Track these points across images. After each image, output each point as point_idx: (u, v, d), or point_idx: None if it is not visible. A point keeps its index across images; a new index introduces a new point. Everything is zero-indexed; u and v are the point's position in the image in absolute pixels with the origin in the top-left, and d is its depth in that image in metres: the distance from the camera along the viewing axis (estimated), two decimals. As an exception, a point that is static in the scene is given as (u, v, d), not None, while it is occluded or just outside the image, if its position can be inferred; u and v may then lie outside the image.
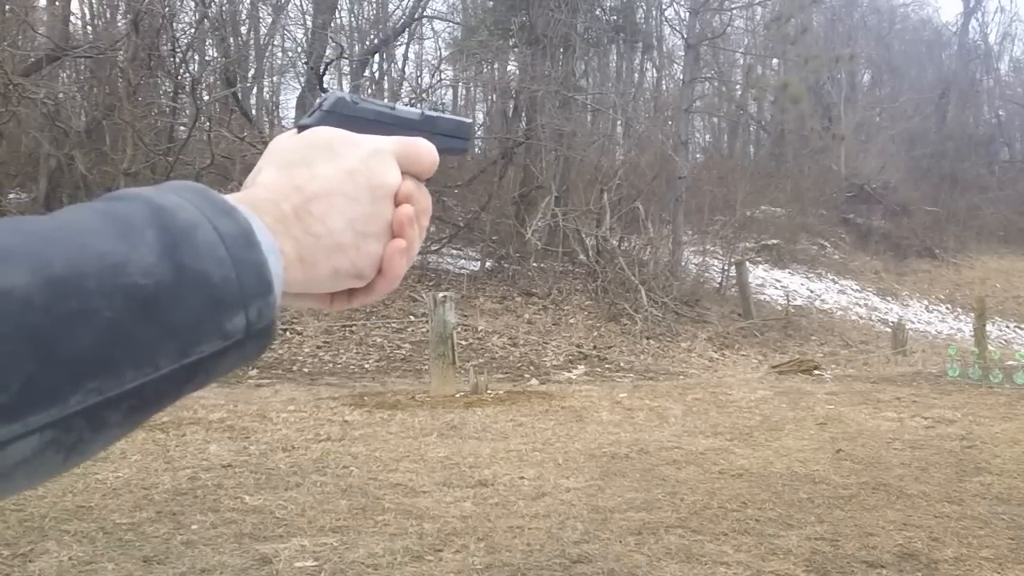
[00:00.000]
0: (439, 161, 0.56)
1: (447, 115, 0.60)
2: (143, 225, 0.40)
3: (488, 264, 15.05)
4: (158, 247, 0.39)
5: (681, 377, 9.98)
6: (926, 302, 21.10)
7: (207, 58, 15.56)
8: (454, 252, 15.14)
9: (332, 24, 16.68)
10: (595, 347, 11.96)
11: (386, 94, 17.86)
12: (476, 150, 17.33)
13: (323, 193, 0.50)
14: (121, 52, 12.47)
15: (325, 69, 15.64)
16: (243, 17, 16.76)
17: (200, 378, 0.41)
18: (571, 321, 13.12)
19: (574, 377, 9.92)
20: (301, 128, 0.54)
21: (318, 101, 0.56)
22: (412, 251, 0.54)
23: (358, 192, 0.51)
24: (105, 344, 0.37)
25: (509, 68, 18.94)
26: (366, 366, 10.27)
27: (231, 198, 0.46)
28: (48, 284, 0.36)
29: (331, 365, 10.19)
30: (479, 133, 17.96)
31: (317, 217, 0.49)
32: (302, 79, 16.78)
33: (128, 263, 0.38)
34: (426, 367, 8.65)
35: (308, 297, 0.53)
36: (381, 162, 0.52)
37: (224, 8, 14.89)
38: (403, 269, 0.53)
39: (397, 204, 0.53)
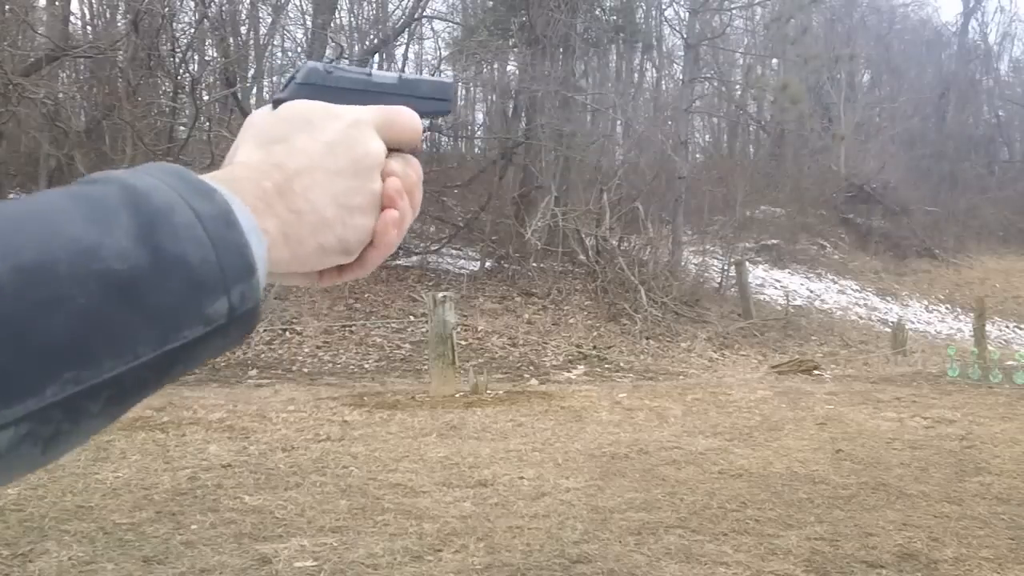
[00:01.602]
0: (422, 125, 0.54)
1: (426, 77, 0.58)
2: (117, 207, 0.38)
3: (488, 264, 15.05)
4: (133, 230, 0.38)
5: (681, 377, 9.98)
6: (926, 302, 21.10)
7: (207, 58, 15.56)
8: (454, 252, 15.15)
9: (332, 24, 16.68)
10: (595, 347, 11.96)
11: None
12: (476, 150, 17.34)
13: (304, 169, 0.49)
14: (121, 52, 12.47)
15: (325, 69, 15.61)
16: (243, 17, 16.76)
17: (182, 365, 0.40)
18: (571, 321, 13.13)
19: (574, 377, 9.92)
20: (277, 103, 0.53)
21: (290, 73, 0.54)
22: (405, 223, 0.53)
23: (340, 165, 0.50)
24: (81, 332, 0.35)
25: (509, 68, 18.95)
26: (366, 366, 10.27)
27: (209, 177, 0.44)
28: (18, 271, 0.34)
29: (331, 365, 10.19)
30: (479, 133, 17.97)
31: (299, 193, 0.48)
32: (302, 79, 16.74)
33: (101, 247, 0.37)
34: (426, 367, 8.65)
35: (295, 275, 0.52)
36: (362, 133, 0.51)
37: (224, 8, 14.89)
38: (396, 240, 0.52)
39: (385, 177, 0.52)
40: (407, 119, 0.54)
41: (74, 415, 0.36)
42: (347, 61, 17.07)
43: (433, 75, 0.63)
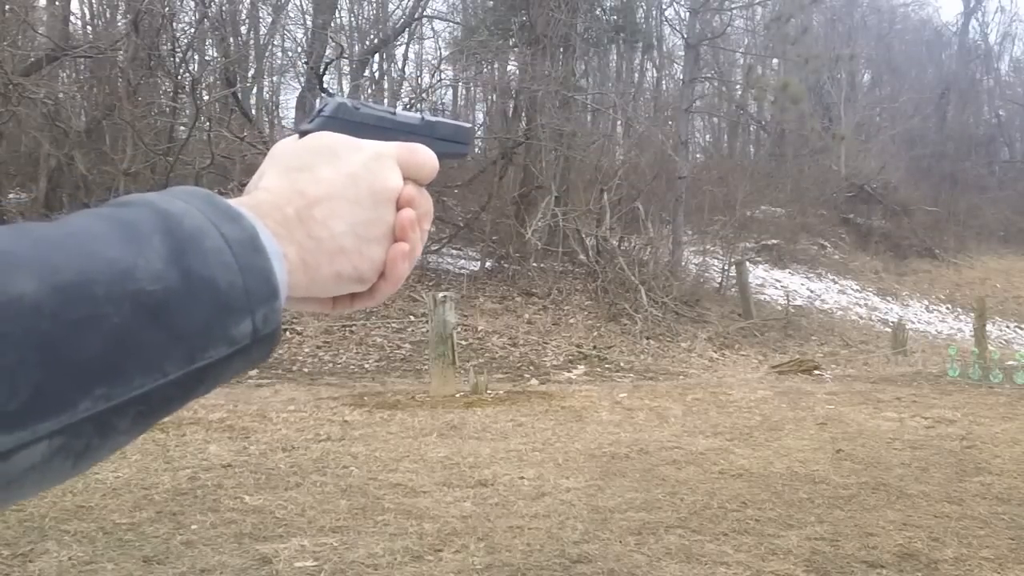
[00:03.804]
0: (439, 166, 0.56)
1: (447, 120, 0.60)
2: (150, 231, 0.40)
3: (488, 264, 15.04)
4: (165, 253, 0.39)
5: (681, 377, 9.97)
6: (926, 302, 21.09)
7: (207, 58, 15.56)
8: (454, 252, 15.14)
9: (332, 24, 16.67)
10: (595, 347, 11.96)
11: (386, 94, 17.86)
12: (476, 150, 17.31)
13: (325, 197, 0.50)
14: (121, 52, 12.47)
15: (325, 69, 15.64)
16: (243, 17, 16.77)
17: (207, 384, 0.42)
18: (571, 321, 13.12)
19: (574, 377, 9.92)
20: (303, 133, 0.55)
21: (319, 106, 0.56)
22: (414, 254, 0.54)
23: (360, 196, 0.52)
24: (113, 350, 0.37)
25: (509, 68, 18.93)
26: (366, 366, 10.27)
27: (235, 203, 0.46)
28: (57, 291, 0.36)
29: (331, 365, 10.19)
30: (479, 133, 17.95)
31: (320, 221, 0.50)
32: (302, 79, 16.78)
33: (136, 269, 0.38)
34: (426, 367, 8.65)
35: (310, 301, 0.54)
36: (383, 167, 0.53)
37: (224, 8, 14.89)
38: (406, 272, 0.54)
39: (399, 208, 0.53)
40: (425, 157, 0.55)
41: (104, 430, 0.38)
42: (348, 61, 17.08)
43: (457, 120, 0.67)
